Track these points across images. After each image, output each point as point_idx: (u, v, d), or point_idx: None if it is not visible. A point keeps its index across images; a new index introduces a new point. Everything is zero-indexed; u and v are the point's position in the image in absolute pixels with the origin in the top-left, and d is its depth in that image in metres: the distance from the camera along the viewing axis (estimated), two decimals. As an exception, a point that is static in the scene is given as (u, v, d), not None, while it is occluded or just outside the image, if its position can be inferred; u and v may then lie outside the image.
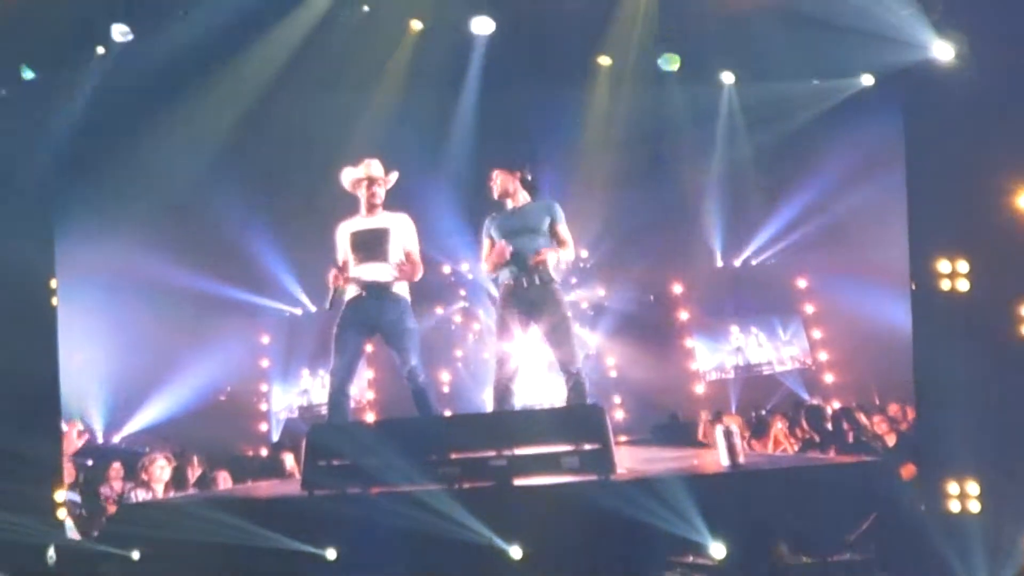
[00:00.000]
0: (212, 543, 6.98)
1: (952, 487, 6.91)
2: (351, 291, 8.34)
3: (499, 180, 8.71)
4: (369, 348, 9.14)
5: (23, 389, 8.64)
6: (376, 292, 8.23)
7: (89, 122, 11.01)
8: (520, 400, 8.55)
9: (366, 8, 11.43)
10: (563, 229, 8.53)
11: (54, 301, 9.21)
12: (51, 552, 7.80)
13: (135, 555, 7.43)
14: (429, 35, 11.92)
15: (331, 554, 6.87)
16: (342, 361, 8.19)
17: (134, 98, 11.53)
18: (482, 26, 11.87)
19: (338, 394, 8.19)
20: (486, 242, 8.70)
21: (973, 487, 6.95)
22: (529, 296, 8.25)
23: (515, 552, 6.47)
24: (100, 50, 10.88)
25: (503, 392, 8.25)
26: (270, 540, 6.87)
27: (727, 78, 13.40)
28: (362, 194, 8.55)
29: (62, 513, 8.73)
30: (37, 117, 9.89)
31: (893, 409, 12.48)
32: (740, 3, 10.41)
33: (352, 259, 8.41)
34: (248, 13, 10.72)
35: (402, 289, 8.32)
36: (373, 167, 8.60)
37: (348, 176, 8.64)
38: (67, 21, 10.25)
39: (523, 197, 8.70)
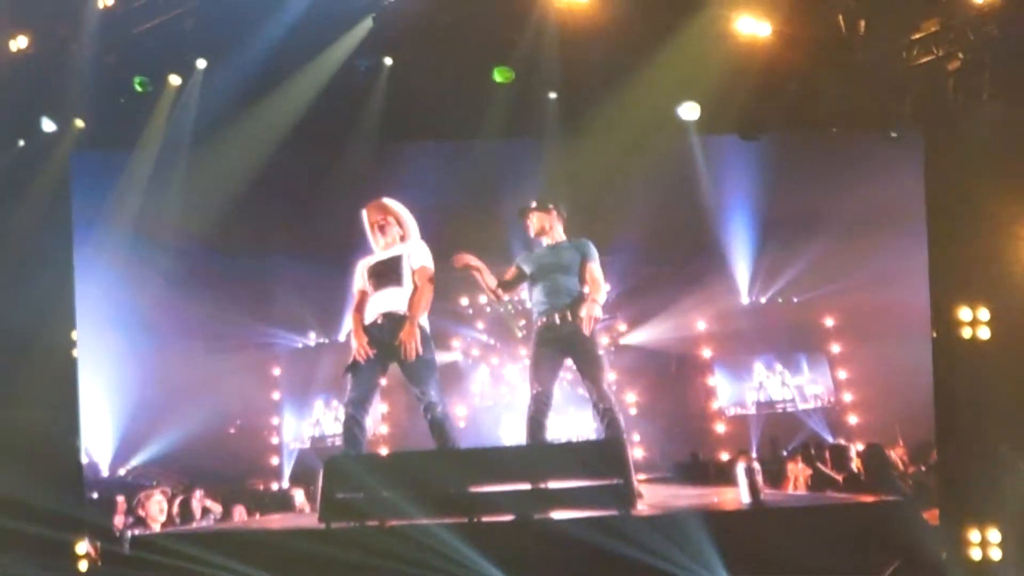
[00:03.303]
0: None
1: (974, 534, 6.85)
2: (368, 319, 8.21)
3: (535, 218, 8.79)
4: (383, 381, 8.95)
5: (45, 441, 8.68)
6: (392, 320, 8.10)
7: (108, 167, 11.23)
8: (551, 435, 8.54)
9: (388, 60, 11.49)
10: (595, 267, 8.53)
11: (75, 352, 9.26)
12: None
13: None
14: (450, 83, 11.92)
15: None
16: (356, 392, 8.06)
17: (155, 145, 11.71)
18: (503, 76, 11.89)
19: (352, 425, 8.01)
20: (513, 269, 8.82)
21: (995, 534, 6.89)
22: (563, 333, 8.25)
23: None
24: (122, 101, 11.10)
25: (536, 427, 8.22)
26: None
27: (747, 127, 13.35)
28: (377, 230, 8.55)
29: (83, 565, 8.73)
30: (54, 166, 10.04)
31: (914, 451, 12.38)
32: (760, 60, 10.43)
33: (369, 289, 8.34)
34: (267, 63, 10.83)
35: (420, 318, 8.20)
36: (385, 201, 8.61)
37: (364, 215, 8.66)
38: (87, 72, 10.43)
39: (559, 235, 8.77)
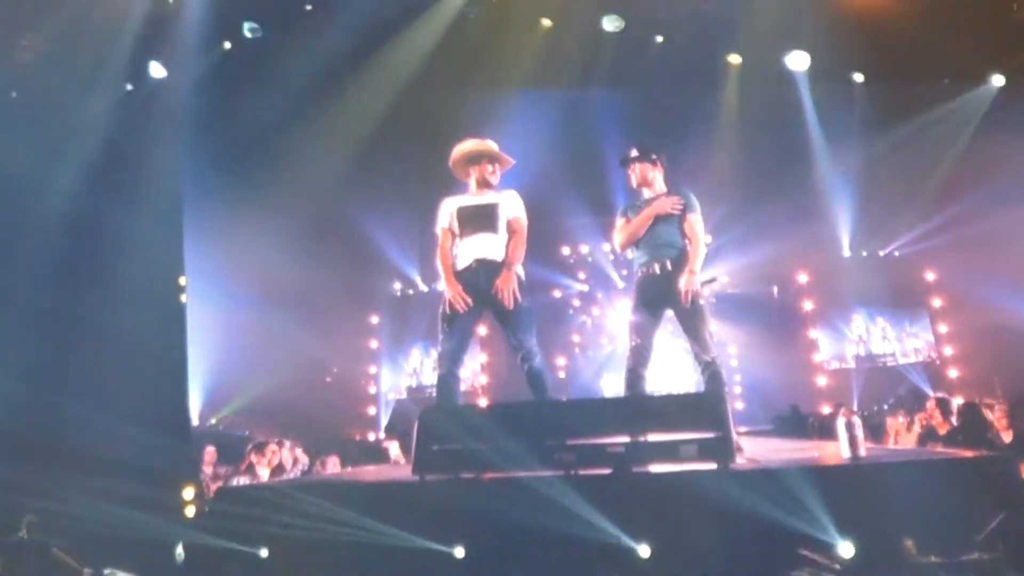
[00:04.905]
0: (329, 539, 7.01)
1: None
2: (460, 265, 8.07)
3: (638, 169, 8.69)
4: (483, 331, 8.77)
5: (155, 388, 8.79)
6: (487, 266, 7.95)
7: (216, 118, 11.33)
8: (651, 387, 8.48)
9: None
10: (695, 219, 8.41)
11: (183, 298, 9.33)
12: (179, 550, 7.87)
13: (264, 553, 7.50)
14: (559, 32, 11.90)
15: (459, 552, 6.83)
16: (452, 342, 7.94)
17: (265, 96, 11.81)
18: (612, 23, 11.87)
19: (447, 376, 7.91)
20: (621, 220, 8.65)
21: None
22: (664, 283, 8.21)
23: (643, 551, 6.44)
24: (227, 45, 11.19)
25: (635, 379, 8.20)
26: (380, 528, 6.88)
27: (857, 77, 13.17)
28: (475, 171, 8.34)
29: (190, 511, 8.85)
30: (165, 112, 10.15)
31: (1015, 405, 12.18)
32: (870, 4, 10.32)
33: (459, 233, 8.17)
34: (380, 14, 10.83)
35: (516, 266, 8.01)
36: (491, 143, 8.38)
37: (464, 148, 8.37)
38: (195, 18, 10.52)
39: (660, 186, 8.67)
